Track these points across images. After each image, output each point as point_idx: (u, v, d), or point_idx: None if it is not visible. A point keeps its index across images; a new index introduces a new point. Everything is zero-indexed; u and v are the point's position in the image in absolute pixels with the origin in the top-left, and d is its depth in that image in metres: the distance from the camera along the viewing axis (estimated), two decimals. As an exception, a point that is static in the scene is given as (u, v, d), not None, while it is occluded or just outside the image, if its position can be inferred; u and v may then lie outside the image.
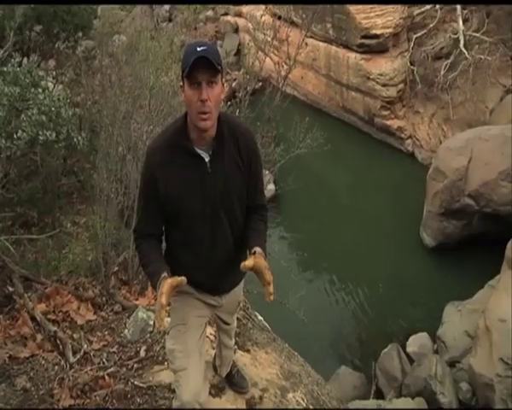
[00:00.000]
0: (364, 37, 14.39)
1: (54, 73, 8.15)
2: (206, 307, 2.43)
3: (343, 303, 10.32)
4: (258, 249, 2.16)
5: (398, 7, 14.32)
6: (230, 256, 2.32)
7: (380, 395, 8.33)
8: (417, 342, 8.98)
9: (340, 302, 10.33)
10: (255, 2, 18.26)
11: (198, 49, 2.01)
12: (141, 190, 2.29)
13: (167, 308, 2.09)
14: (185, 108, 2.16)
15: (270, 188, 10.89)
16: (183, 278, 2.06)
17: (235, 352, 3.14)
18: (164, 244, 2.39)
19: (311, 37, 15.15)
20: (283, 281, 8.14)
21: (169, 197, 2.16)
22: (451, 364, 8.22)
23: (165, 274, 2.09)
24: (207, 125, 2.08)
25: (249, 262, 2.08)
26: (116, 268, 4.54)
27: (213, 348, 3.23)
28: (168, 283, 2.02)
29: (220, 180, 2.18)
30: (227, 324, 2.71)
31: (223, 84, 2.10)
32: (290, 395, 3.35)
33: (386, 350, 8.78)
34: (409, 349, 8.89)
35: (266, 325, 4.40)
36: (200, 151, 2.15)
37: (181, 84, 2.10)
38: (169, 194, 2.15)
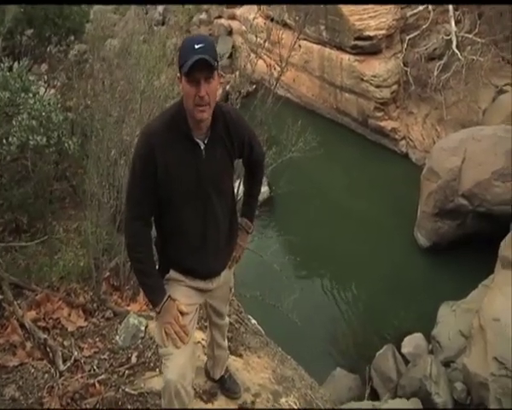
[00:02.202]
0: (358, 38, 14.41)
1: (45, 77, 8.10)
2: (197, 293, 2.48)
3: (337, 305, 10.31)
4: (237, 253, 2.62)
5: (391, 8, 14.35)
6: (221, 237, 2.46)
7: (375, 396, 8.33)
8: (412, 342, 9.00)
9: (334, 304, 10.33)
10: (252, 3, 18.20)
11: (196, 46, 2.08)
12: (138, 170, 2.24)
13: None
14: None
15: (263, 190, 10.85)
16: (187, 307, 2.35)
17: (228, 356, 3.12)
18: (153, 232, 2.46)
19: (305, 39, 15.15)
20: (276, 284, 8.15)
21: (166, 180, 2.22)
22: (446, 364, 8.23)
23: (169, 295, 2.32)
24: (204, 117, 2.19)
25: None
26: (107, 274, 4.51)
27: (205, 354, 3.21)
28: (177, 307, 2.31)
29: (213, 167, 2.30)
30: (220, 315, 2.74)
31: (219, 76, 2.21)
32: (283, 400, 3.33)
33: (381, 351, 8.79)
34: (404, 350, 8.91)
35: (260, 328, 4.38)
36: (197, 139, 2.26)
37: (178, 75, 2.17)
38: (166, 177, 2.22)
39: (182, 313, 2.32)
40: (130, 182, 2.30)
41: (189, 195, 2.28)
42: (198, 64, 2.06)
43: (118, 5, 18.63)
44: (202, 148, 2.27)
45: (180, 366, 2.32)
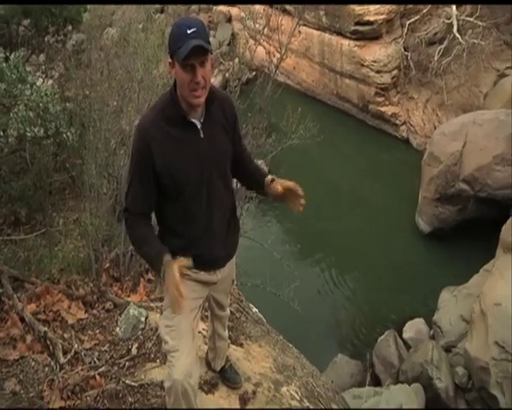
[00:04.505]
0: (358, 23, 14.29)
1: (43, 67, 8.06)
2: (202, 287, 2.44)
3: (339, 291, 10.33)
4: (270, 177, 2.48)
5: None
6: (226, 221, 2.42)
7: (377, 382, 8.36)
8: (413, 328, 9.02)
9: (335, 290, 10.34)
10: (254, 2, 18.03)
11: (188, 31, 2.04)
12: (135, 166, 2.22)
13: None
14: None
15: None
16: (189, 261, 2.15)
17: (228, 346, 3.12)
18: (155, 226, 2.40)
19: (305, 25, 15.04)
20: (277, 272, 8.13)
21: (168, 169, 2.19)
22: (447, 349, 8.25)
23: (168, 257, 2.14)
24: (200, 102, 2.18)
25: (279, 186, 2.43)
26: (107, 265, 4.50)
27: (205, 344, 3.21)
28: (176, 267, 2.07)
29: (212, 145, 2.27)
30: (222, 307, 2.72)
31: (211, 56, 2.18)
32: (284, 389, 3.32)
33: (382, 337, 8.81)
34: (405, 335, 8.93)
35: (261, 316, 4.37)
36: (193, 120, 2.23)
37: (169, 61, 2.13)
38: (167, 166, 2.18)
39: (182, 271, 2.11)
40: (129, 176, 2.27)
41: (192, 177, 2.23)
42: (194, 51, 2.02)
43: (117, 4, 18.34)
44: (199, 127, 2.24)
45: (186, 365, 2.29)
